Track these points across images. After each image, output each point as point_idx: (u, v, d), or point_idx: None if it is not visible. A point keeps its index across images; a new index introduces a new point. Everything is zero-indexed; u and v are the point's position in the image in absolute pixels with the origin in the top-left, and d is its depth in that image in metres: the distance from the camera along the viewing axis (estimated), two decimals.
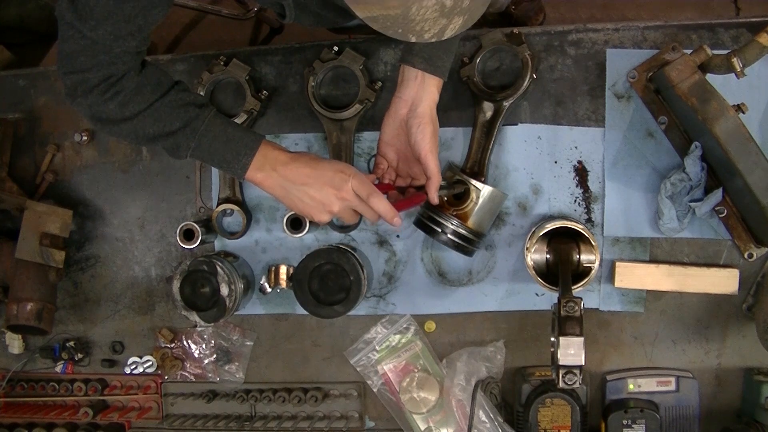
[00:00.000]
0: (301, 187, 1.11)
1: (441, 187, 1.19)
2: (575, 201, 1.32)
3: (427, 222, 1.24)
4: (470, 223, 1.23)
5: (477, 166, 1.29)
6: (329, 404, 1.43)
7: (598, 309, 1.33)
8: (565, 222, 1.23)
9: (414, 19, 0.80)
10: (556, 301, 1.11)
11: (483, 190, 1.23)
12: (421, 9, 0.79)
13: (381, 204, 1.12)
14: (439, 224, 1.23)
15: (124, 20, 1.00)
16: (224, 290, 1.30)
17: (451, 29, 0.84)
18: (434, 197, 1.18)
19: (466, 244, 1.24)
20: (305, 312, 1.29)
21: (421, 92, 1.16)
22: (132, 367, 1.47)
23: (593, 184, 1.32)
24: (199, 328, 1.45)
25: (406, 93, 1.16)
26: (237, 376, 1.44)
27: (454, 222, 1.22)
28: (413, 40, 0.85)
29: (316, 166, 1.12)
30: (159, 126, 1.09)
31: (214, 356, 1.44)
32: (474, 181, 1.23)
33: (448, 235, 1.22)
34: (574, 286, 1.18)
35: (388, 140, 1.20)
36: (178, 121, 1.09)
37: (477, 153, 1.30)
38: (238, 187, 1.40)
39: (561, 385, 1.06)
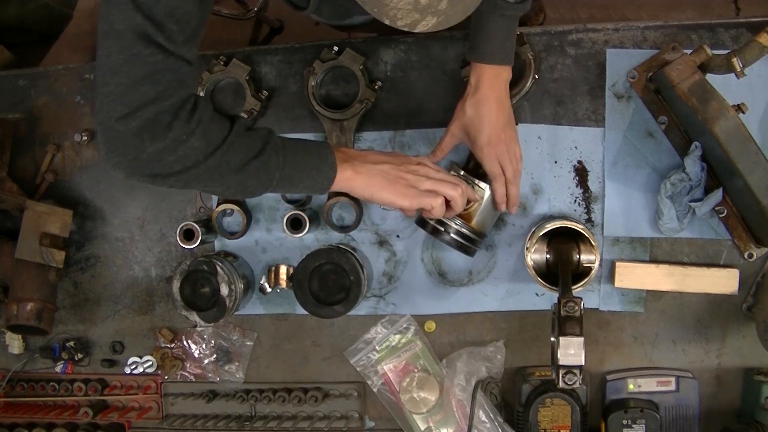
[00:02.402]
0: (381, 167, 1.11)
1: None
2: (575, 201, 1.32)
3: (431, 221, 1.24)
4: (474, 223, 1.23)
5: (480, 167, 1.29)
6: (329, 404, 1.42)
7: (598, 309, 1.33)
8: (565, 222, 1.23)
9: (387, 4, 0.80)
10: (556, 301, 1.11)
11: (486, 191, 1.23)
12: None
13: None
14: (442, 224, 1.22)
15: (185, 19, 0.90)
16: (224, 290, 1.30)
17: (423, 25, 0.84)
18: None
19: (469, 244, 1.24)
20: (305, 312, 1.29)
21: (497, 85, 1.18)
22: (132, 367, 1.47)
23: (593, 184, 1.32)
24: (199, 328, 1.45)
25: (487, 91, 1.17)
26: (237, 376, 1.44)
27: (458, 222, 1.22)
28: (387, 23, 0.84)
29: (387, 153, 1.16)
30: (245, 151, 0.99)
31: (214, 356, 1.44)
32: (478, 182, 1.23)
33: (452, 235, 1.22)
34: (574, 286, 1.18)
35: (456, 133, 1.22)
36: (259, 141, 1.01)
37: None
38: None
39: (561, 385, 1.06)
